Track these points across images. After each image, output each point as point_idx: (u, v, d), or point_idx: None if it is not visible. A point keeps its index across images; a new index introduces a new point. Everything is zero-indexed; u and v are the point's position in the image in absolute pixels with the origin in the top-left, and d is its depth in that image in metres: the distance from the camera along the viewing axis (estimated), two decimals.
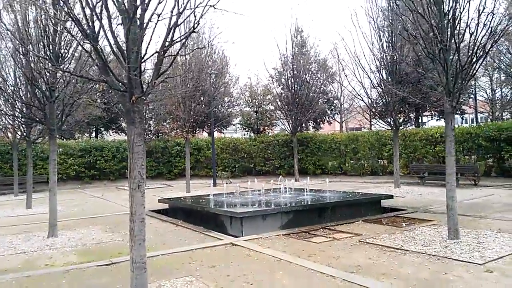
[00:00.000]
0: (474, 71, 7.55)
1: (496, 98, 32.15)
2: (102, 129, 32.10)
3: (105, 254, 7.69)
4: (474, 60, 7.35)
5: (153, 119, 24.31)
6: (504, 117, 31.40)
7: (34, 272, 6.66)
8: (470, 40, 7.26)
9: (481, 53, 7.36)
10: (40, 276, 6.43)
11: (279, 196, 12.27)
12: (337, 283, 5.59)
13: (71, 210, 14.25)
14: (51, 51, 8.44)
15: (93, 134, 32.03)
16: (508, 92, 30.61)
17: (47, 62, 8.46)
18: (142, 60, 4.31)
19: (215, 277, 6.02)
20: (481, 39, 7.19)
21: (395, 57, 15.07)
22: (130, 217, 4.46)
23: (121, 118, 26.34)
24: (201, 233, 9.41)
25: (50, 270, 6.82)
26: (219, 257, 7.15)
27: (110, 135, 32.21)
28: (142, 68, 4.53)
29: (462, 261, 6.27)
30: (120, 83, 4.42)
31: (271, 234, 8.93)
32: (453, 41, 7.36)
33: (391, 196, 12.12)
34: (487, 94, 32.84)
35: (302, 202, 10.86)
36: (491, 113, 31.66)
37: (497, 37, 7.22)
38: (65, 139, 26.69)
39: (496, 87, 31.76)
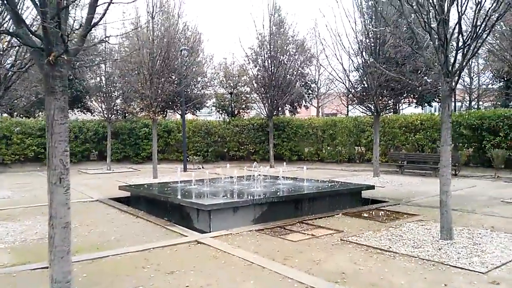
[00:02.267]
0: (478, 47, 6.61)
1: (473, 87, 31.88)
2: None
3: (45, 253, 6.43)
4: (478, 33, 6.39)
5: (120, 98, 22.67)
6: (480, 107, 31.26)
7: None
8: (475, 9, 6.30)
9: (484, 26, 6.42)
10: None
11: (253, 184, 11.24)
12: None
13: (21, 196, 12.82)
14: None
15: None
16: (485, 81, 30.36)
17: None
18: (65, 5, 3.09)
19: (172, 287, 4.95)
20: (488, 10, 6.24)
21: (379, 35, 14.10)
22: (49, 221, 3.31)
23: (87, 96, 24.47)
24: (163, 227, 8.29)
25: None
26: (180, 260, 6.07)
27: (75, 114, 30.23)
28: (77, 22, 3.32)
29: (461, 268, 5.41)
30: (36, 38, 3.19)
31: (242, 229, 7.91)
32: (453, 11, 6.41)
33: (372, 187, 11.30)
34: (464, 82, 32.55)
35: (278, 193, 9.86)
36: (468, 102, 31.42)
37: (506, 6, 6.29)
38: (24, 117, 24.75)
39: (474, 75, 31.45)
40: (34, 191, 13.83)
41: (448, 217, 6.70)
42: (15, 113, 25.85)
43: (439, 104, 30.13)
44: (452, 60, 6.67)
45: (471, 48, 6.51)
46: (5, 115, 24.25)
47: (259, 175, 12.16)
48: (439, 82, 7.04)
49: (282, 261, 5.92)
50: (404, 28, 14.76)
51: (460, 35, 6.43)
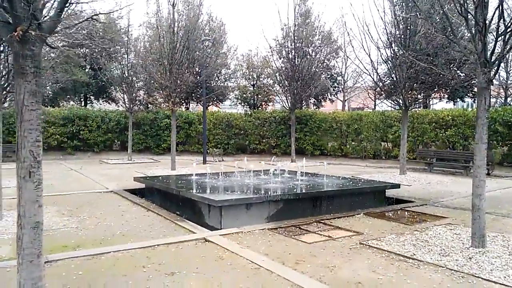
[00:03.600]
0: None
1: (509, 82, 30.15)
2: (92, 97, 30.41)
3: (48, 246, 6.18)
4: None
5: (143, 89, 22.60)
6: None
7: None
8: None
9: None
10: None
11: (270, 179, 10.74)
12: None
13: None
14: None
15: (83, 103, 30.34)
16: None
17: None
18: None
19: None
20: None
21: (409, 25, 13.26)
22: (17, 220, 2.92)
23: (111, 86, 24.48)
24: (172, 222, 7.93)
25: None
26: (183, 259, 5.66)
27: (100, 104, 30.51)
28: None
29: (495, 282, 4.77)
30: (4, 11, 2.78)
31: (255, 227, 7.44)
32: None
33: (397, 186, 10.60)
34: (500, 77, 30.84)
35: (295, 189, 9.33)
36: (503, 98, 29.77)
37: None
38: (49, 106, 25.05)
39: (510, 69, 29.71)
40: (51, 181, 13.77)
41: (481, 222, 6.03)
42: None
43: (473, 99, 28.74)
44: (491, 48, 5.94)
45: None
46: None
47: (277, 169, 11.66)
48: (475, 74, 6.32)
49: (293, 265, 5.42)
50: (437, 19, 13.93)
51: (501, 19, 5.69)
